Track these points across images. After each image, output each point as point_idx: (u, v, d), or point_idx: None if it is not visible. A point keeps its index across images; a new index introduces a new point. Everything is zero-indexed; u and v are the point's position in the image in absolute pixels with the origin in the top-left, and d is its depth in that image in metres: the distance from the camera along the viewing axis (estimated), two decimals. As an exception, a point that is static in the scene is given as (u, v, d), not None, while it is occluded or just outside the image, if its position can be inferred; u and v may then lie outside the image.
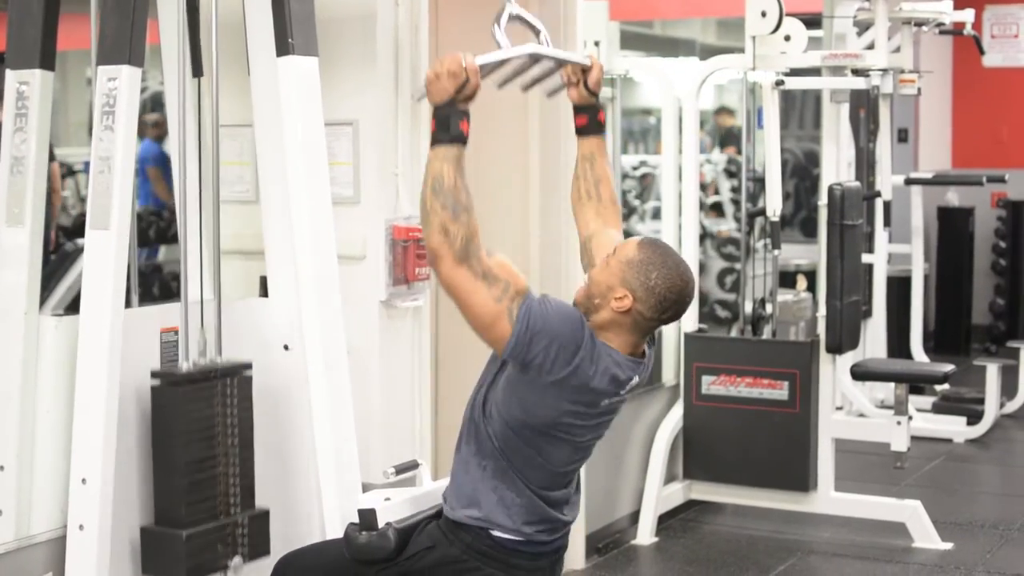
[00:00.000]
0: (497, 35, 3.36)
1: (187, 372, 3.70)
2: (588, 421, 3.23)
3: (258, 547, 3.83)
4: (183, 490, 3.65)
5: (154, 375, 3.69)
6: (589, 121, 3.52)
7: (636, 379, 3.25)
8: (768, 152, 6.37)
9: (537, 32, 3.48)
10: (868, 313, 8.40)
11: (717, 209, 9.49)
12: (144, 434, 3.69)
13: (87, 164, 3.79)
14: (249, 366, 3.83)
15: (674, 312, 3.19)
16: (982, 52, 9.18)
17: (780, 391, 6.34)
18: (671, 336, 6.73)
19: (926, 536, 6.15)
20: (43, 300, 3.92)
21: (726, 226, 9.24)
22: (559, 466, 3.27)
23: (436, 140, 3.15)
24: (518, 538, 3.24)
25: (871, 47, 7.08)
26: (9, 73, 3.79)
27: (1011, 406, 8.68)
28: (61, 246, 7.31)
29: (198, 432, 3.68)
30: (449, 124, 3.14)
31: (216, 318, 3.83)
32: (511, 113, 5.44)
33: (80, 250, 3.97)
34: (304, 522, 3.94)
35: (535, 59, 3.41)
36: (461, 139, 3.14)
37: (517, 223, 5.46)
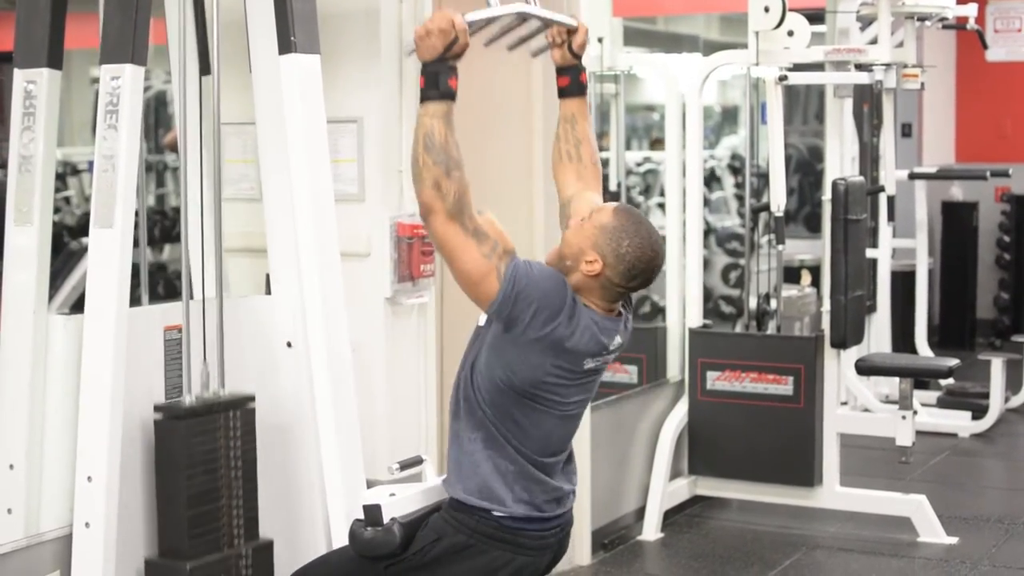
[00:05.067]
0: None
1: (190, 406, 3.71)
2: (572, 380, 3.26)
3: None
4: (187, 523, 3.65)
5: (157, 409, 3.70)
6: (571, 82, 3.56)
7: (619, 339, 3.30)
8: (772, 147, 6.38)
9: None
10: (872, 308, 8.41)
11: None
12: (148, 439, 3.70)
13: (91, 163, 3.79)
14: (252, 398, 3.85)
15: (641, 281, 3.25)
16: (985, 47, 9.17)
17: (785, 386, 6.35)
18: (676, 332, 6.74)
19: (931, 531, 6.16)
20: (49, 299, 3.92)
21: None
22: (548, 431, 3.30)
23: (426, 96, 3.18)
24: (521, 515, 3.26)
25: (874, 42, 7.07)
26: (17, 72, 3.80)
27: (1016, 400, 8.69)
28: (66, 245, 7.31)
29: (201, 465, 3.69)
30: (438, 81, 3.17)
31: (218, 316, 3.84)
32: (515, 108, 5.44)
33: (85, 249, 3.98)
34: (307, 516, 3.95)
35: (522, 18, 3.46)
36: (450, 95, 3.18)
37: (522, 208, 5.44)
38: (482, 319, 3.29)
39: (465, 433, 3.29)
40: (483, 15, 3.34)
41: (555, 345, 3.18)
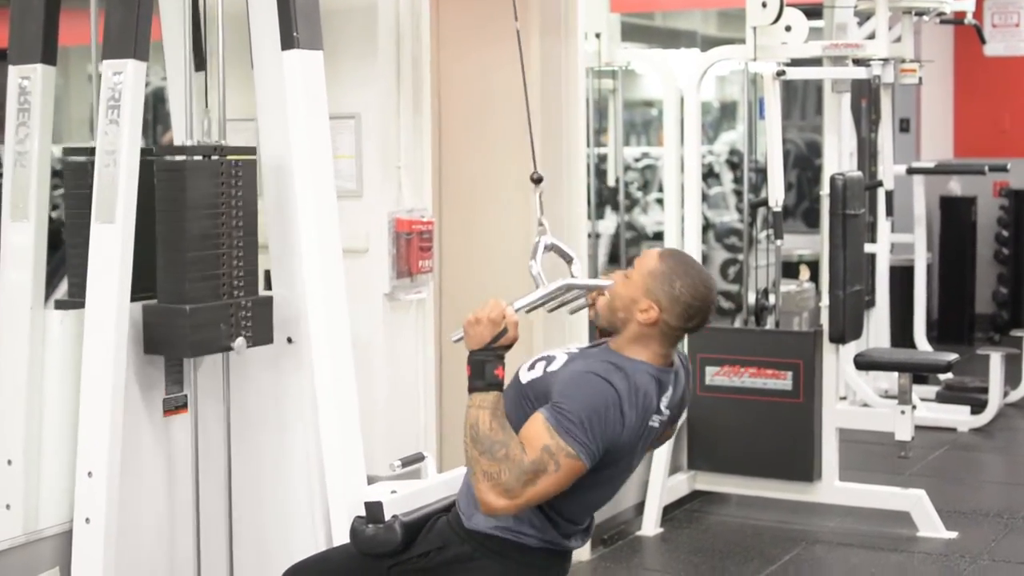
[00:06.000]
0: (534, 271, 3.36)
1: (192, 146, 3.69)
2: (637, 448, 3.19)
3: (261, 333, 3.82)
4: (187, 265, 3.62)
5: (156, 152, 3.68)
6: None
7: (671, 390, 3.22)
8: (770, 143, 6.37)
9: (570, 261, 3.49)
10: (871, 303, 8.41)
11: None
12: (148, 434, 3.69)
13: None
14: (253, 150, 3.83)
15: (700, 319, 3.19)
16: (983, 41, 9.17)
17: (784, 381, 6.35)
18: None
19: (931, 525, 6.16)
20: (47, 296, 3.92)
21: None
22: (594, 502, 3.26)
23: (472, 387, 3.11)
24: (532, 545, 3.20)
25: (872, 37, 7.07)
26: (11, 68, 3.80)
27: (1015, 395, 8.69)
28: (64, 242, 7.31)
29: (203, 208, 3.66)
30: (484, 371, 3.10)
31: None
32: (513, 104, 5.43)
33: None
34: (307, 513, 3.94)
35: (567, 288, 3.37)
36: (497, 386, 3.11)
37: (519, 211, 5.44)
38: (524, 375, 3.21)
39: None
40: (531, 299, 3.28)
41: (637, 431, 3.11)
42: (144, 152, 3.65)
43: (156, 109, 9.88)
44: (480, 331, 3.12)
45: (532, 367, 3.22)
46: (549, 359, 3.23)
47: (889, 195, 8.02)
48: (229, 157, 3.75)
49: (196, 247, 3.64)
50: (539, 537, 3.20)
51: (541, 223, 3.49)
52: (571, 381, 3.11)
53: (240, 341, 3.74)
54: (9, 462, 3.72)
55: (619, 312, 3.19)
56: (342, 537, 3.61)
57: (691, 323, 3.18)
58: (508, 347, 3.15)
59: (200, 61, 4.08)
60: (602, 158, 7.96)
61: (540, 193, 3.57)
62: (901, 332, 9.02)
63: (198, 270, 3.65)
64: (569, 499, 3.15)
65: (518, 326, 3.15)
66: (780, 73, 6.27)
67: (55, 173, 3.97)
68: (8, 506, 3.71)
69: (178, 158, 3.67)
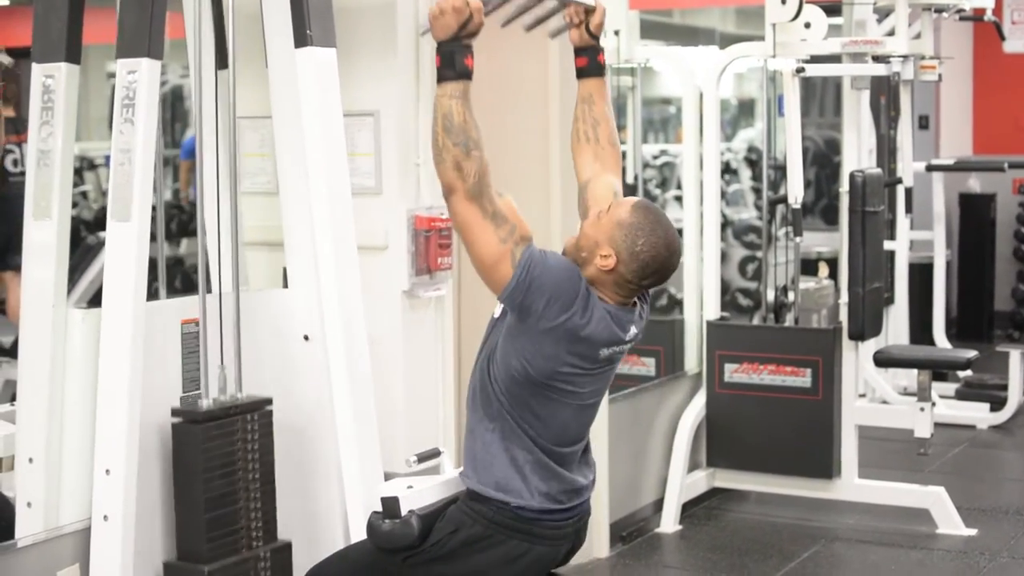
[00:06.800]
0: None
1: (207, 410, 3.71)
2: (588, 370, 3.25)
3: None
4: (204, 526, 3.66)
5: (175, 413, 3.70)
6: (589, 62, 3.56)
7: (634, 330, 3.29)
8: (789, 139, 6.37)
9: None
10: (890, 300, 8.39)
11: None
12: (165, 434, 3.70)
13: (108, 158, 3.79)
14: (269, 401, 3.85)
15: (654, 279, 3.24)
16: (1003, 38, 9.15)
17: (803, 378, 6.34)
18: (693, 324, 6.74)
19: (950, 522, 6.15)
20: (67, 293, 3.93)
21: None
22: (565, 422, 3.29)
23: (442, 77, 3.18)
24: (537, 506, 3.26)
25: (891, 33, 7.06)
26: (35, 67, 3.81)
27: (1034, 392, 8.67)
28: (83, 239, 7.34)
29: (219, 469, 3.69)
30: (454, 60, 3.17)
31: (235, 311, 3.85)
32: (531, 100, 5.44)
33: (102, 243, 3.98)
34: (324, 507, 3.96)
35: None
36: (467, 74, 3.17)
37: (539, 193, 5.43)
38: (497, 310, 3.29)
39: (481, 424, 3.29)
40: None
41: (570, 334, 3.17)
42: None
43: (174, 107, 9.90)
44: (446, 21, 3.17)
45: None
46: None
47: (908, 192, 7.99)
48: (246, 416, 3.77)
49: (214, 508, 3.68)
50: (540, 491, 3.25)
51: None
52: (564, 261, 3.22)
53: None
54: (31, 460, 3.73)
55: (582, 251, 3.24)
56: (359, 533, 3.63)
57: (645, 280, 3.24)
58: (474, 34, 3.19)
59: (223, 59, 4.10)
60: (621, 155, 7.95)
61: None
62: (920, 329, 9.00)
63: (216, 529, 3.69)
64: (538, 411, 3.22)
65: (482, 12, 3.19)
66: (799, 70, 6.27)
67: (77, 172, 3.98)
68: (29, 504, 3.72)
69: (195, 424, 3.68)
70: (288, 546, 3.88)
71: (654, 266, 3.21)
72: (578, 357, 3.21)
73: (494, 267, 3.14)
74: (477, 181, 3.13)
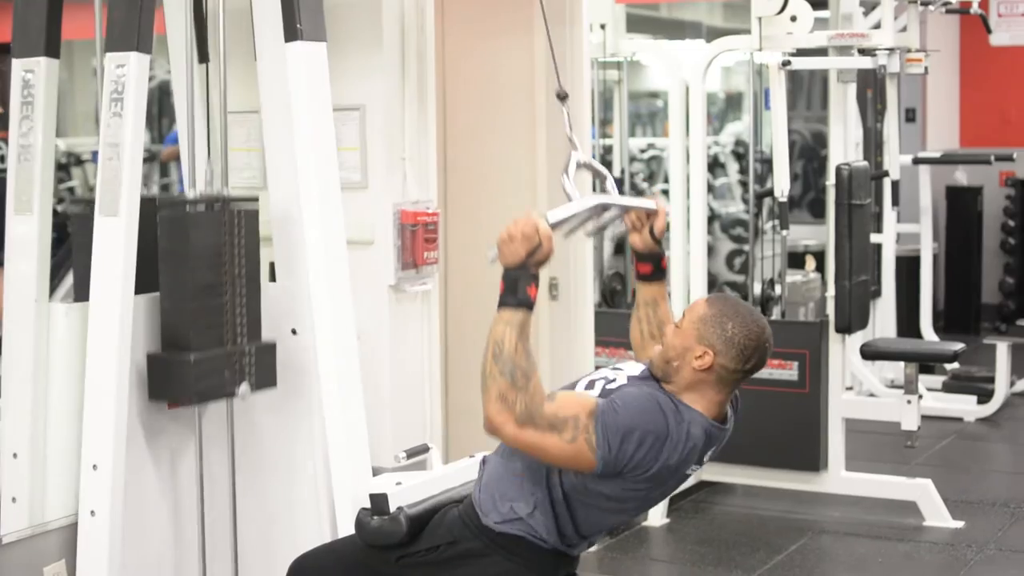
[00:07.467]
0: (567, 187, 3.29)
1: (194, 199, 3.71)
2: (667, 486, 3.20)
3: (265, 378, 3.84)
4: (191, 314, 3.64)
5: (161, 204, 3.70)
6: (654, 269, 3.46)
7: (716, 447, 3.22)
8: (775, 133, 6.37)
9: (603, 178, 3.46)
10: (877, 293, 8.41)
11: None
12: (150, 427, 3.70)
13: (95, 154, 3.79)
14: (256, 199, 3.84)
15: (757, 359, 3.15)
16: (989, 31, 9.15)
17: (790, 371, 6.35)
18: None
19: (937, 515, 6.16)
20: (52, 289, 3.92)
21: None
22: (611, 524, 3.27)
23: (503, 303, 3.07)
24: (544, 548, 3.20)
25: (878, 26, 7.07)
26: (15, 61, 3.80)
27: (1021, 384, 8.68)
28: (70, 235, 7.33)
29: (206, 259, 3.67)
30: (517, 288, 3.06)
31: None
32: (518, 95, 5.43)
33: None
34: (312, 505, 3.95)
35: (603, 208, 3.33)
36: (528, 304, 3.06)
37: (524, 202, 5.44)
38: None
39: (518, 482, 3.19)
40: (566, 213, 3.20)
41: (669, 471, 3.10)
42: (148, 202, 3.66)
43: (161, 103, 9.88)
44: (514, 248, 3.06)
45: (590, 386, 3.19)
46: (608, 379, 3.20)
47: (895, 185, 8.00)
48: (232, 207, 3.76)
49: (200, 297, 3.66)
50: (553, 541, 3.19)
51: (571, 140, 3.42)
52: (636, 395, 3.09)
53: (244, 387, 3.77)
54: (15, 455, 3.72)
55: (673, 362, 3.14)
56: (347, 528, 3.61)
57: (748, 364, 3.14)
58: (542, 263, 3.10)
59: (204, 53, 4.08)
60: (607, 149, 7.96)
61: (567, 111, 3.50)
62: (907, 322, 9.01)
63: (202, 319, 3.67)
64: (590, 517, 3.16)
65: (552, 240, 3.10)
66: (786, 63, 6.27)
67: (59, 167, 3.97)
68: (14, 499, 3.72)
69: (181, 210, 3.68)
70: (273, 347, 3.86)
71: (752, 346, 3.11)
72: (666, 480, 3.15)
73: (576, 463, 3.04)
74: (525, 409, 3.00)
